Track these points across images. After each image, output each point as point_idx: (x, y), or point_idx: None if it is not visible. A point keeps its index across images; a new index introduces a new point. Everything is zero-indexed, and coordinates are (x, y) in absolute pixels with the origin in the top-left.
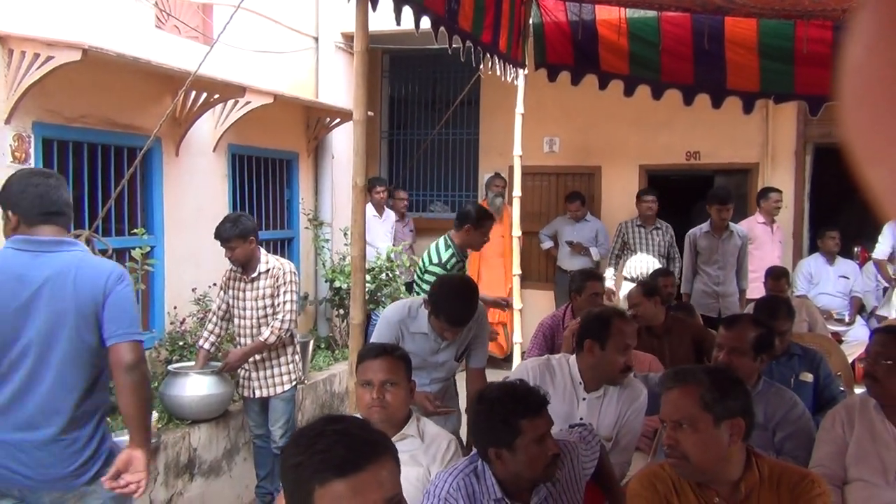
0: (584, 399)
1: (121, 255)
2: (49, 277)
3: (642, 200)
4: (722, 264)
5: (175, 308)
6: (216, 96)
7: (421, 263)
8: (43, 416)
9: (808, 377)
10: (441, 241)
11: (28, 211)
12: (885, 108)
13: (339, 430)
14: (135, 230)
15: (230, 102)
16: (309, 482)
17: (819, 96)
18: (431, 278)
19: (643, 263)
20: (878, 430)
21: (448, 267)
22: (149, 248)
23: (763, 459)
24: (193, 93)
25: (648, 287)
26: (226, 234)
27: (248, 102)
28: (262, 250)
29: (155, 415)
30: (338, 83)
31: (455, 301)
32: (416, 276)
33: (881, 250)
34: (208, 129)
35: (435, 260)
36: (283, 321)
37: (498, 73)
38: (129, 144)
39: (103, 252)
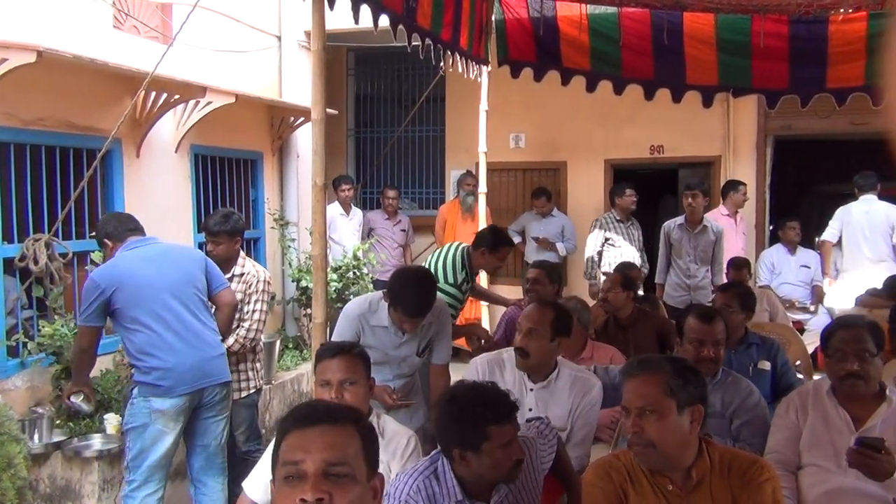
0: (531, 390)
1: (81, 258)
2: None
3: (624, 195)
4: (693, 257)
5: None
6: (176, 97)
7: (433, 270)
8: None
9: (766, 366)
10: (458, 258)
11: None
12: None
13: (318, 401)
14: (94, 233)
15: (191, 103)
16: (280, 432)
17: (776, 90)
18: (446, 298)
19: (627, 258)
20: (831, 416)
21: (463, 289)
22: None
23: (714, 447)
24: (153, 93)
25: (626, 279)
26: (215, 227)
27: (209, 102)
28: (242, 253)
29: (119, 419)
30: (302, 82)
31: (411, 292)
32: None
33: (830, 233)
34: (170, 129)
35: (451, 280)
36: (248, 329)
37: (460, 70)
38: (89, 146)
39: (63, 256)
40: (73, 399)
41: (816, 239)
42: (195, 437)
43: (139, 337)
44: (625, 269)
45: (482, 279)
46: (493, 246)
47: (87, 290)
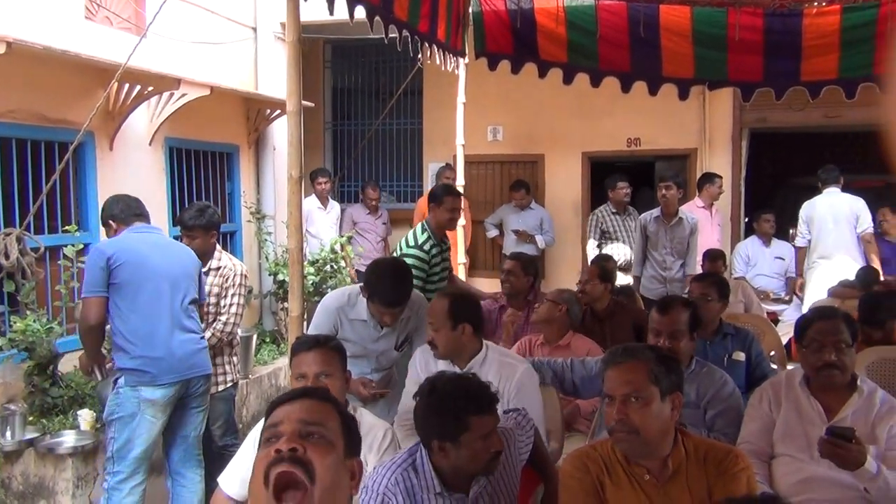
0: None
1: (54, 252)
2: None
3: (616, 188)
4: (669, 250)
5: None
6: (150, 88)
7: (398, 249)
8: None
9: (741, 356)
10: (419, 225)
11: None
12: None
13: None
14: (67, 227)
15: (165, 95)
16: (266, 414)
17: (751, 83)
18: (408, 261)
19: (620, 250)
20: (804, 407)
21: (426, 249)
22: (82, 246)
23: (689, 437)
24: (126, 85)
25: (603, 271)
26: (190, 221)
27: (184, 94)
28: (219, 247)
29: (93, 414)
30: (278, 74)
31: (387, 282)
32: None
33: (801, 239)
34: (143, 122)
35: (412, 243)
36: (226, 323)
37: (438, 62)
38: (61, 139)
39: (35, 250)
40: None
41: (791, 231)
42: (176, 428)
43: (135, 320)
44: (602, 260)
45: (460, 272)
46: (438, 197)
47: (92, 259)
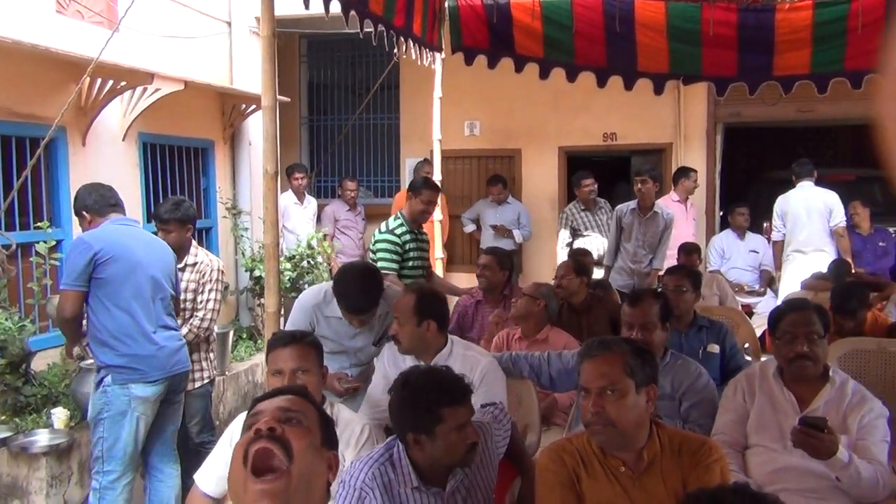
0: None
1: (26, 249)
2: None
3: (582, 186)
4: (641, 243)
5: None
6: (123, 83)
7: (373, 237)
8: None
9: (715, 348)
10: (396, 215)
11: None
12: None
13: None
14: (39, 223)
15: (139, 90)
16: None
17: (725, 77)
18: (380, 245)
19: (595, 244)
20: (777, 398)
21: (398, 234)
22: (55, 242)
23: (663, 429)
24: (99, 80)
25: (579, 265)
26: (166, 215)
27: (157, 89)
28: (195, 242)
29: (67, 413)
30: (253, 69)
31: (352, 288)
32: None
33: (777, 233)
34: (116, 117)
35: (384, 229)
36: (202, 319)
37: (414, 57)
38: (32, 135)
39: (6, 247)
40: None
41: (765, 224)
42: (155, 424)
43: (121, 317)
44: (578, 255)
45: (437, 267)
46: (415, 189)
47: (76, 251)
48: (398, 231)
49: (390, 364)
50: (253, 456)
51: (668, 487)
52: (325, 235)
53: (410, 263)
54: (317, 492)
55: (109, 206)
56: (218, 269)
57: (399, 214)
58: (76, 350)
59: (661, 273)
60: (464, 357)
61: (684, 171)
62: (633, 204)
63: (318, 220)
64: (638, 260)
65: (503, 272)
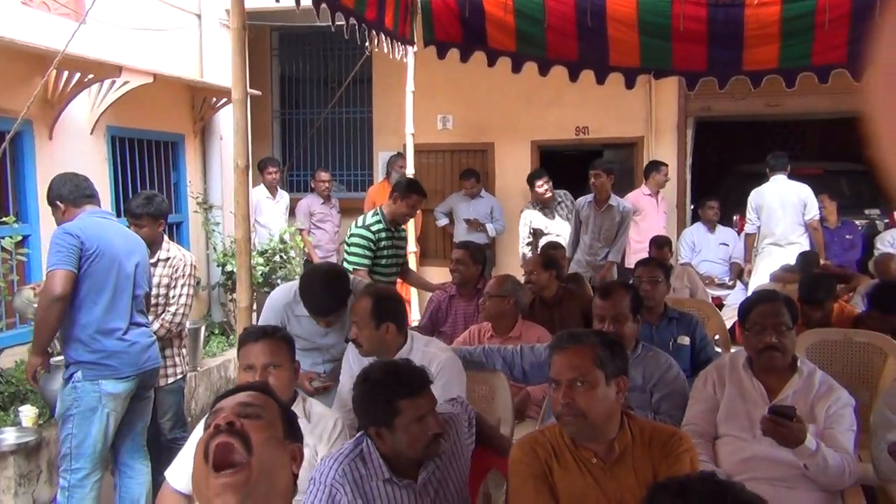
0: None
1: None
2: None
3: (535, 187)
4: (597, 236)
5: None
6: (90, 76)
7: (348, 231)
8: None
9: (686, 340)
10: (372, 210)
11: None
12: None
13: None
14: (4, 218)
15: (107, 82)
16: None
17: (695, 72)
18: (354, 240)
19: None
20: (747, 388)
21: (373, 230)
22: (21, 238)
23: (634, 420)
24: (66, 73)
25: (547, 259)
26: (138, 210)
27: (126, 82)
28: (166, 237)
29: (35, 410)
30: (223, 62)
31: (317, 291)
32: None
33: (750, 226)
34: (84, 110)
35: (360, 224)
36: (175, 314)
37: (386, 50)
38: None
39: None
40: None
41: (735, 217)
42: (125, 420)
43: (97, 312)
44: (549, 248)
45: (411, 261)
46: (403, 191)
47: (60, 238)
48: (374, 227)
49: (356, 362)
50: (213, 451)
51: (639, 478)
52: (299, 230)
53: (384, 261)
54: (280, 483)
55: (85, 196)
56: (190, 265)
57: (378, 211)
58: (39, 370)
59: (615, 265)
60: (423, 353)
61: (655, 165)
62: (590, 197)
63: (292, 214)
64: (594, 252)
65: (476, 266)
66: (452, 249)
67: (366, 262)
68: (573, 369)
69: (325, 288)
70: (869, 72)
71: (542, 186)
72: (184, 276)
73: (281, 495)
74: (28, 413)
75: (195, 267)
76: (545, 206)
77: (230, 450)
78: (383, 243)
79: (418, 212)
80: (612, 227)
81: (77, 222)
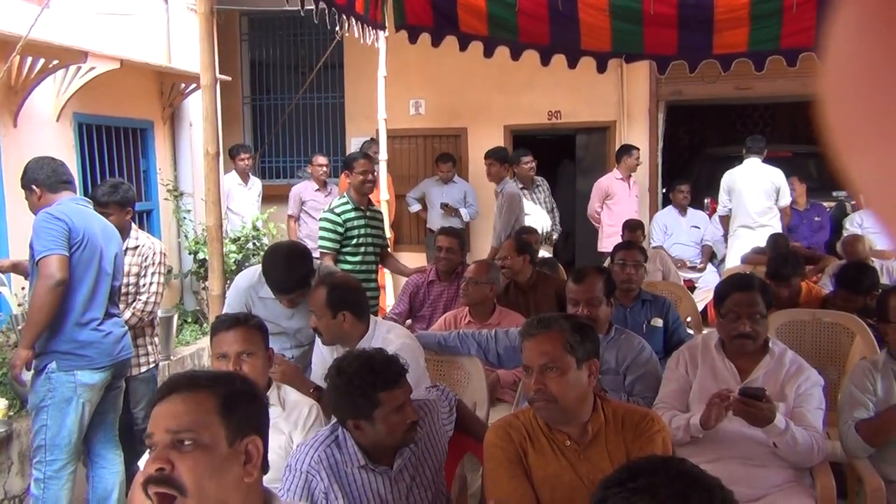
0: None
1: None
2: None
3: (522, 163)
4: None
5: (23, 289)
6: (55, 62)
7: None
8: None
9: (659, 322)
10: (341, 194)
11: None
12: (868, 99)
13: (184, 372)
14: None
15: (72, 69)
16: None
17: (666, 56)
18: (321, 224)
19: (539, 219)
20: (719, 369)
21: (338, 213)
22: None
23: (607, 402)
24: (29, 58)
25: (520, 244)
26: (104, 198)
27: (92, 68)
28: (134, 225)
29: (5, 402)
30: (192, 47)
31: (279, 268)
32: None
33: (722, 209)
34: (49, 97)
35: (327, 208)
36: (146, 303)
37: (357, 35)
38: None
39: None
40: (23, 374)
41: (706, 200)
42: (98, 411)
43: (75, 301)
44: (522, 232)
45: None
46: (349, 162)
47: (49, 223)
48: (338, 209)
49: (327, 349)
50: (153, 498)
51: (613, 459)
52: (288, 217)
53: (355, 241)
54: (237, 492)
55: (62, 182)
56: (160, 252)
57: (345, 193)
58: (23, 361)
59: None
60: (384, 340)
61: (626, 149)
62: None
63: (264, 201)
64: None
65: (461, 253)
66: (427, 234)
67: (331, 244)
68: (543, 355)
69: (285, 264)
70: (822, 59)
71: (529, 164)
72: (153, 264)
73: (238, 497)
74: None
75: (165, 255)
76: (525, 185)
77: (168, 499)
78: (353, 223)
79: (392, 198)
80: (499, 212)
81: (61, 207)
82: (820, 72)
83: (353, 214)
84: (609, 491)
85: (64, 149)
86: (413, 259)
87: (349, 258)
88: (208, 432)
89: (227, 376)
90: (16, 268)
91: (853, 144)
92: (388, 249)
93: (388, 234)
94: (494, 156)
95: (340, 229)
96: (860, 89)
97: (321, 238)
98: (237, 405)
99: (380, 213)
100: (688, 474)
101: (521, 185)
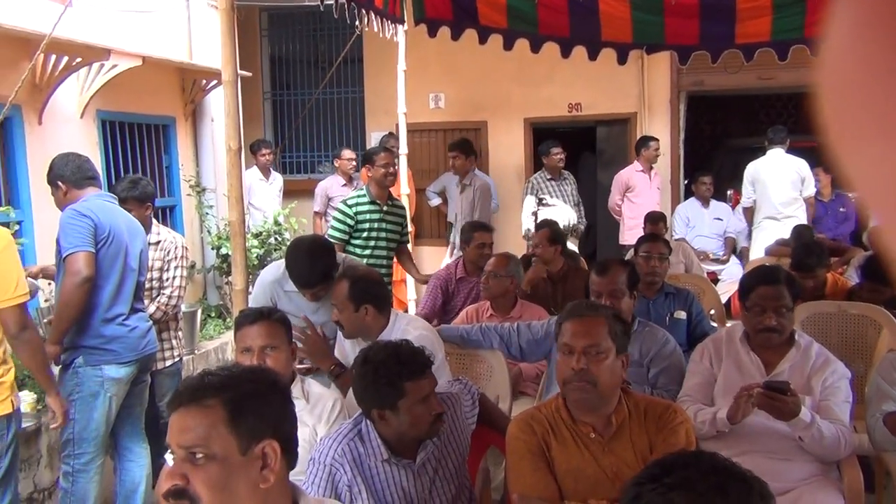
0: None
1: None
2: None
3: (550, 154)
4: (468, 213)
5: (50, 285)
6: (78, 59)
7: None
8: None
9: (682, 315)
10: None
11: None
12: (865, 99)
13: (217, 369)
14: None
15: (95, 66)
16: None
17: (687, 46)
18: (333, 214)
19: (563, 214)
20: (744, 362)
21: (350, 204)
22: (17, 226)
23: (630, 395)
24: (53, 56)
25: (554, 233)
26: (123, 193)
27: (114, 65)
28: (155, 220)
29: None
30: (213, 43)
31: (301, 262)
32: None
33: (746, 200)
34: (73, 94)
35: (342, 201)
36: (170, 297)
37: (376, 29)
38: None
39: None
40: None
41: (728, 192)
42: (125, 405)
43: (102, 297)
44: (553, 224)
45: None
46: (370, 155)
47: (75, 219)
48: (351, 202)
49: (349, 343)
50: None
51: (637, 451)
52: (314, 213)
53: (365, 234)
54: (253, 499)
55: (87, 178)
56: (182, 246)
57: (364, 186)
58: (50, 360)
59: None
60: (403, 332)
61: (644, 141)
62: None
63: (285, 196)
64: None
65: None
66: (448, 229)
67: (338, 235)
68: (590, 336)
69: (308, 258)
70: (819, 52)
71: (558, 155)
72: (176, 258)
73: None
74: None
75: (186, 248)
76: (553, 176)
77: None
78: (365, 216)
79: (412, 192)
80: (472, 202)
81: (87, 204)
82: (816, 65)
83: (367, 207)
84: (643, 488)
85: (88, 145)
86: (434, 253)
87: (357, 251)
88: (218, 444)
89: (234, 378)
90: (44, 272)
91: (851, 139)
92: (408, 246)
93: (410, 227)
94: (459, 148)
95: (350, 221)
96: (858, 83)
97: (331, 227)
98: (246, 410)
99: (402, 208)
100: (722, 467)
101: (549, 177)
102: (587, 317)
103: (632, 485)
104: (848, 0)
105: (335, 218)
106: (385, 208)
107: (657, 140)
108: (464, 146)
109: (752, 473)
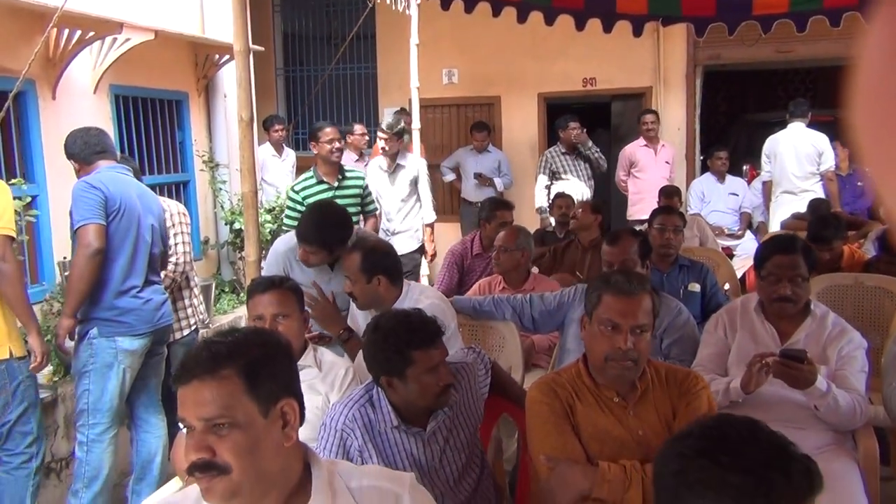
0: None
1: None
2: None
3: (568, 128)
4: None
5: (65, 258)
6: (91, 33)
7: None
8: None
9: (696, 287)
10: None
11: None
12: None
13: (219, 337)
14: (13, 180)
15: (108, 40)
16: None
17: (704, 17)
18: (288, 202)
19: (576, 188)
20: (759, 332)
21: (297, 190)
22: (30, 199)
23: (651, 362)
24: (66, 30)
25: (597, 204)
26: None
27: (127, 39)
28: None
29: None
30: (225, 17)
31: (309, 217)
32: None
33: (765, 174)
34: (87, 69)
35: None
36: (176, 264)
37: (388, 2)
38: (0, 88)
39: None
40: (66, 342)
41: (744, 167)
42: (140, 376)
43: (114, 271)
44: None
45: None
46: (313, 132)
47: (85, 192)
48: (298, 187)
49: (361, 314)
50: (198, 482)
51: (660, 415)
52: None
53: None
54: (278, 458)
55: (95, 153)
56: (179, 212)
57: (312, 167)
58: (67, 330)
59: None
60: (415, 302)
61: (637, 116)
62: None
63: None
64: (390, 218)
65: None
66: (461, 204)
67: (291, 223)
68: (638, 316)
69: (319, 218)
70: (854, 72)
71: (575, 129)
72: (174, 224)
73: (280, 463)
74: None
75: (184, 213)
76: (568, 150)
77: (212, 480)
78: (313, 199)
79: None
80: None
81: (99, 176)
82: (852, 83)
83: (315, 190)
84: (690, 462)
85: (101, 120)
86: (448, 229)
87: None
88: (241, 412)
89: (242, 344)
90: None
91: (884, 154)
92: (376, 215)
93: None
94: (392, 130)
95: (300, 207)
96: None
97: (285, 217)
98: (261, 375)
99: (359, 178)
100: (782, 445)
101: (563, 151)
102: (639, 294)
103: (674, 455)
104: (885, 16)
105: (288, 207)
106: (336, 184)
107: (653, 113)
108: (395, 128)
109: (801, 451)
